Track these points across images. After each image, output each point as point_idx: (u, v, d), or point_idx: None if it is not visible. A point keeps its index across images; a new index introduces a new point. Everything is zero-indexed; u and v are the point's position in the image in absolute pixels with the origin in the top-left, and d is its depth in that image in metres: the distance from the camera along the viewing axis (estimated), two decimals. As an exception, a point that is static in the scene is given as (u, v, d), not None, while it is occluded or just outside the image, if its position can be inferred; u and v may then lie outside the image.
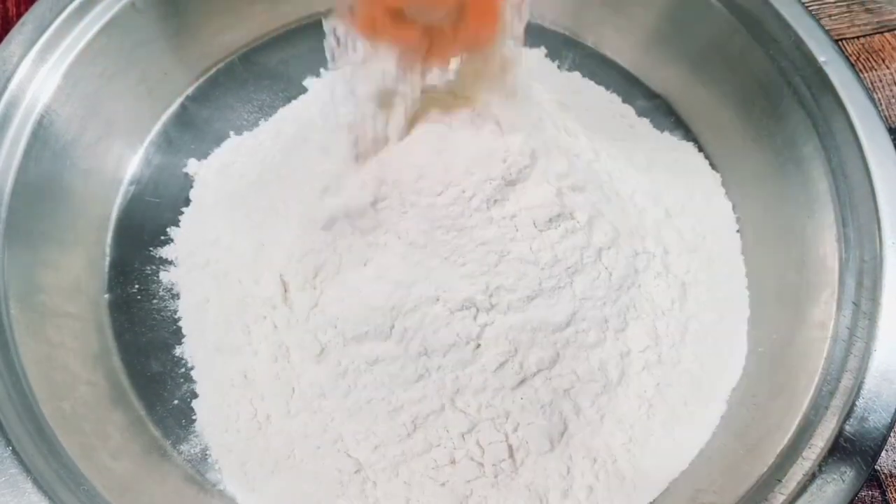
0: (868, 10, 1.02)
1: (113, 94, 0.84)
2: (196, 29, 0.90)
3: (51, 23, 0.79)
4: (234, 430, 0.74)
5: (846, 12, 1.02)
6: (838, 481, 0.63)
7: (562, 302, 0.73)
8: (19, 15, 0.90)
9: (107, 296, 0.81)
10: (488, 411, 0.71)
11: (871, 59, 0.99)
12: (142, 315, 0.80)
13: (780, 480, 0.65)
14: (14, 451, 0.63)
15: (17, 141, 0.76)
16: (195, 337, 0.79)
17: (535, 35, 0.97)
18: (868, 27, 1.01)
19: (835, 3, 1.02)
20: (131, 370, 0.78)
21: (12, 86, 0.77)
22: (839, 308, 0.72)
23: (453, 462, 0.71)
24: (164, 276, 0.82)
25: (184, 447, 0.75)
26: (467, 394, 0.71)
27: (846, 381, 0.68)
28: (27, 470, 0.63)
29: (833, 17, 1.01)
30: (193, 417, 0.76)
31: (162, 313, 0.80)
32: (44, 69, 0.78)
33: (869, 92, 0.76)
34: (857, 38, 1.01)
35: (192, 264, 0.81)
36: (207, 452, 0.75)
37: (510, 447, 0.71)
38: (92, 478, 0.66)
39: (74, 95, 0.80)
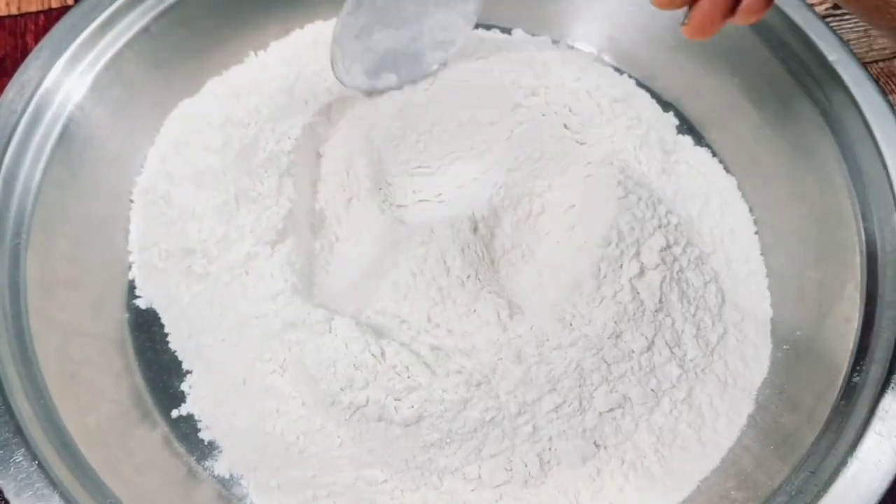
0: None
1: (129, 117, 0.85)
2: (209, 53, 0.91)
3: (68, 46, 0.81)
4: (258, 448, 0.73)
5: (864, 37, 1.02)
6: (873, 471, 0.63)
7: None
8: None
9: (127, 315, 0.80)
10: (525, 430, 0.70)
11: (889, 82, 0.99)
12: (162, 333, 0.79)
13: (812, 473, 0.64)
14: (40, 466, 0.63)
15: (35, 162, 0.77)
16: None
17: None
18: (887, 51, 1.01)
19: (852, 28, 1.02)
20: (153, 387, 0.77)
21: (30, 109, 0.78)
22: (863, 301, 0.71)
23: (481, 476, 0.71)
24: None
25: (209, 463, 0.74)
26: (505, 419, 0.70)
27: (874, 372, 0.67)
28: (53, 484, 0.62)
29: (851, 42, 1.00)
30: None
31: (183, 331, 0.80)
32: (62, 91, 0.80)
33: (881, 87, 0.77)
34: (876, 62, 1.01)
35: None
36: (232, 469, 0.74)
37: (540, 460, 0.71)
38: (118, 492, 0.65)
39: (92, 117, 0.81)
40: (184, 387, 0.77)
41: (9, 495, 0.61)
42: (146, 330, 0.80)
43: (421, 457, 0.69)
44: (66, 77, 0.80)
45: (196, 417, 0.76)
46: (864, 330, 0.70)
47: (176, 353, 0.78)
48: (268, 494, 0.72)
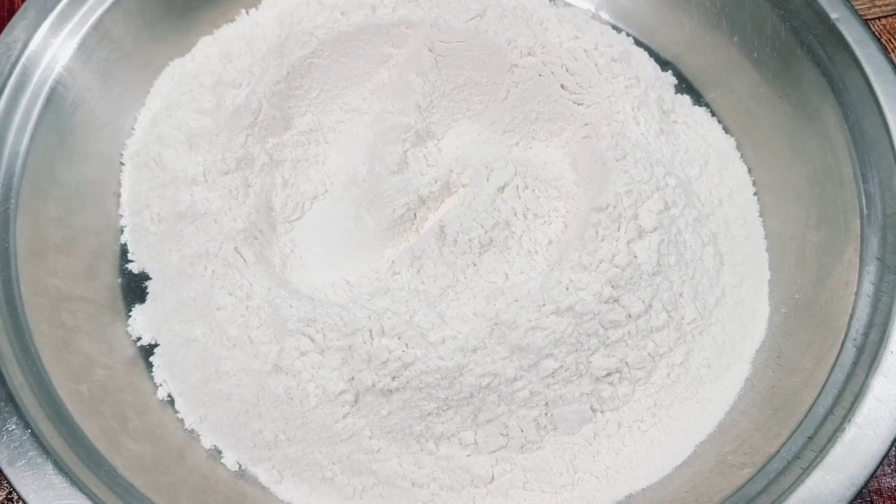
0: (890, -10, 1.00)
1: (119, 78, 0.84)
2: (200, 11, 0.89)
3: (54, 7, 0.79)
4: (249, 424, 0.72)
5: (868, -7, 1.00)
6: (871, 436, 0.62)
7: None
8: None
9: (119, 279, 0.79)
10: (522, 395, 0.70)
11: (893, 39, 0.97)
12: (156, 298, 0.79)
13: (811, 438, 0.64)
14: (33, 434, 0.62)
15: (23, 126, 0.75)
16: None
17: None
18: (889, 7, 0.99)
19: (856, -18, 1.00)
20: (147, 354, 0.76)
21: (17, 71, 0.76)
22: (863, 264, 0.71)
23: (477, 441, 0.71)
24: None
25: (203, 429, 0.74)
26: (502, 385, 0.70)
27: (874, 336, 0.67)
28: (46, 452, 0.62)
29: (855, -2, 0.98)
30: (212, 400, 0.75)
31: (175, 296, 0.79)
32: (49, 52, 0.78)
33: (883, 46, 0.75)
34: (879, 18, 0.99)
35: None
36: (217, 442, 0.73)
37: (537, 425, 0.70)
38: (112, 459, 0.65)
39: (81, 79, 0.80)
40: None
41: (1, 464, 0.61)
42: (139, 295, 0.79)
43: (417, 426, 0.69)
44: (53, 38, 0.79)
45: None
46: (863, 293, 0.69)
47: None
48: (260, 462, 0.72)
